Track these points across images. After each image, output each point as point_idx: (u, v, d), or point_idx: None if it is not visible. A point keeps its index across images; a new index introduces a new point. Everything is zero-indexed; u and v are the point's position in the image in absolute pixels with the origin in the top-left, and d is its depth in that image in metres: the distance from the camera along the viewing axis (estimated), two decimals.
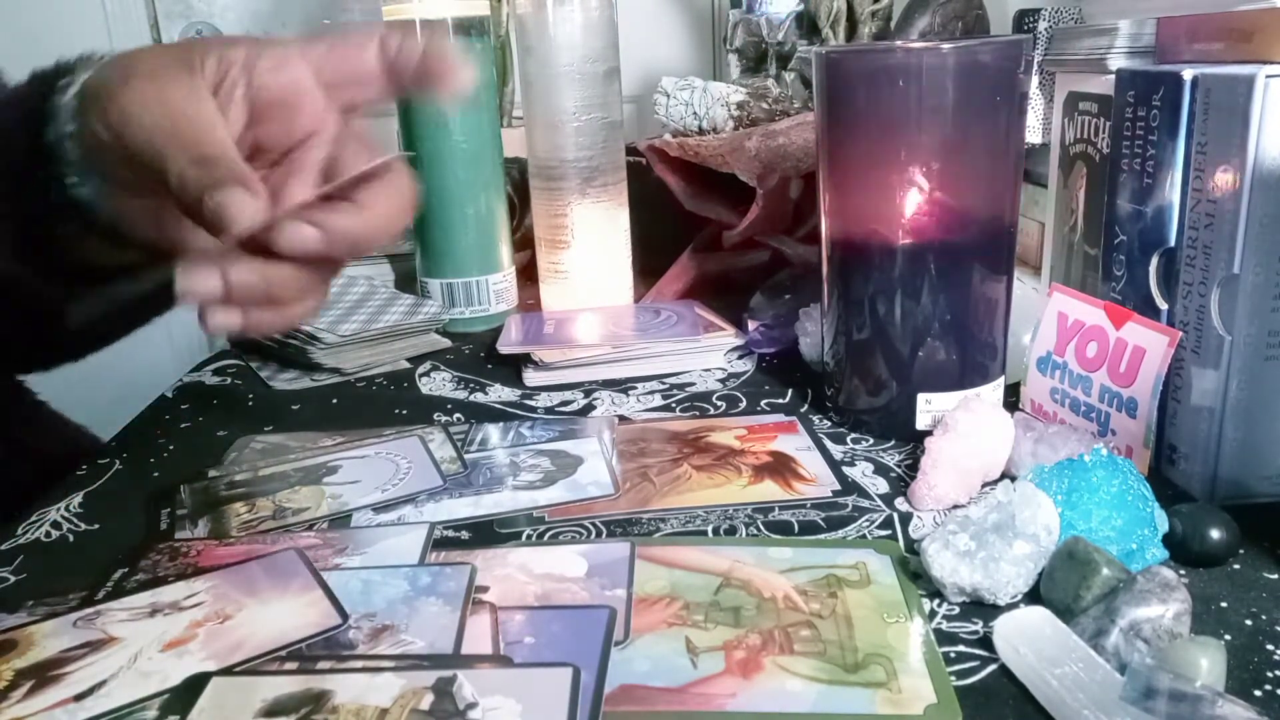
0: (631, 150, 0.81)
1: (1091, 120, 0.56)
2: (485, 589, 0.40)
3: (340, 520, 0.47)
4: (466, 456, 0.54)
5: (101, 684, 0.35)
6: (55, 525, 0.49)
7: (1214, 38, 0.46)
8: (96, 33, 1.62)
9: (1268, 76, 0.40)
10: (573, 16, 0.71)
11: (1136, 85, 0.47)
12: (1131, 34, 0.53)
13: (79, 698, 0.34)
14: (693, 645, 0.37)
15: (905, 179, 0.50)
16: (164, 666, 0.35)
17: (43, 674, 0.35)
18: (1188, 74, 0.44)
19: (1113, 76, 0.50)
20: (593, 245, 0.76)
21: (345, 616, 0.38)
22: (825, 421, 0.57)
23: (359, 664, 0.35)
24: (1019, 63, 0.50)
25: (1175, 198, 0.45)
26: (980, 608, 0.38)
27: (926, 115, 0.49)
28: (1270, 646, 0.35)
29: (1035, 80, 0.66)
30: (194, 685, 0.34)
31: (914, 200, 0.50)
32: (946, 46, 0.49)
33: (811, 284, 0.60)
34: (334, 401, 0.65)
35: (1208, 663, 0.32)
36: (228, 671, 0.35)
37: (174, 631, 0.37)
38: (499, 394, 0.65)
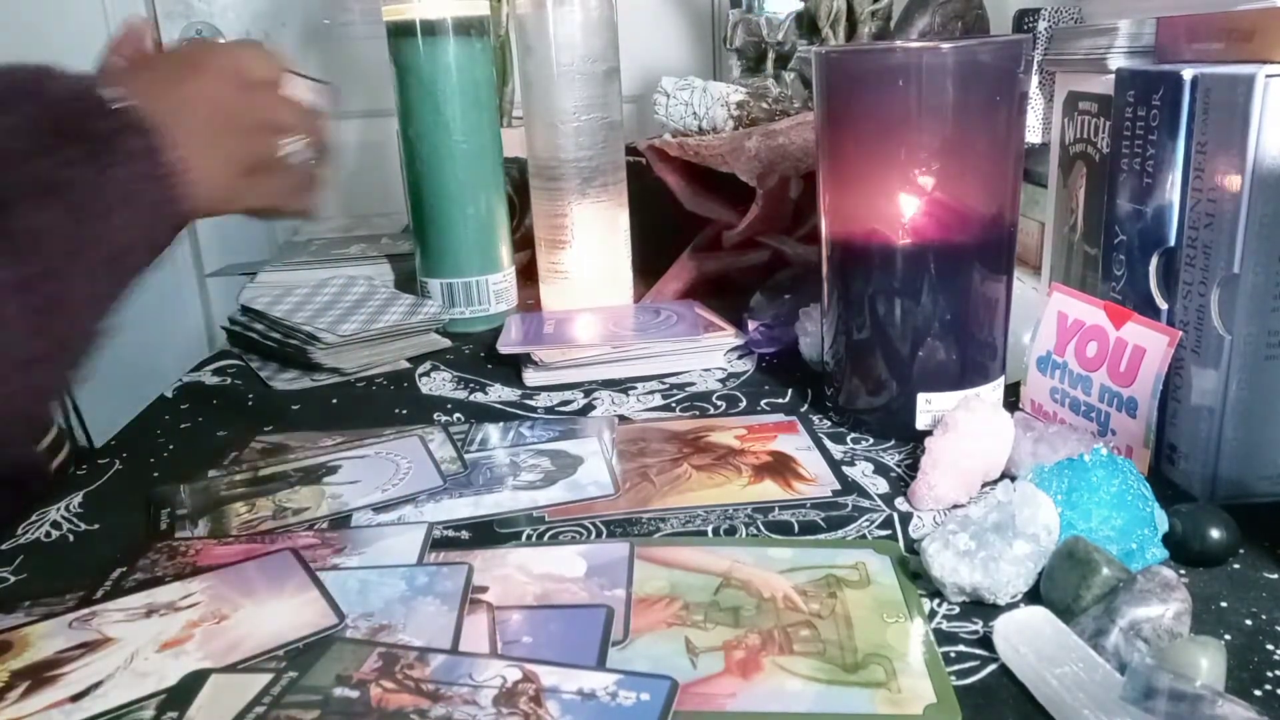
0: (631, 150, 0.81)
1: (1091, 120, 0.56)
2: (484, 589, 0.40)
3: (340, 520, 0.47)
4: (466, 456, 0.54)
5: (98, 684, 0.35)
6: (55, 525, 0.48)
7: (1214, 38, 0.46)
8: (96, 32, 1.63)
9: (1267, 76, 0.40)
10: (572, 16, 0.71)
11: (1136, 85, 0.47)
12: (1131, 34, 0.53)
13: (75, 698, 0.34)
14: (692, 645, 0.37)
15: (905, 179, 0.49)
16: (160, 667, 0.35)
17: (39, 675, 0.35)
18: (1188, 74, 0.43)
19: (1113, 76, 0.50)
20: (593, 245, 0.76)
21: (342, 616, 0.38)
22: (825, 421, 0.57)
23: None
24: (1019, 63, 0.49)
25: (1175, 197, 0.45)
26: (980, 607, 0.38)
27: (926, 115, 0.49)
28: (1270, 646, 0.35)
29: (1035, 80, 0.66)
30: (192, 682, 0.34)
31: (914, 200, 0.50)
32: (946, 46, 0.49)
33: (811, 284, 0.59)
34: (334, 401, 0.65)
35: (1208, 662, 0.32)
36: (228, 669, 0.35)
37: (170, 632, 0.37)
38: (499, 394, 0.65)
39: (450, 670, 0.34)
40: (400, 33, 0.73)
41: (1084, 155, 0.57)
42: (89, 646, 0.37)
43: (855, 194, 0.52)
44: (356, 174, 1.76)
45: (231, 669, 0.35)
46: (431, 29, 0.73)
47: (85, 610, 0.39)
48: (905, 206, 0.50)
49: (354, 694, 0.33)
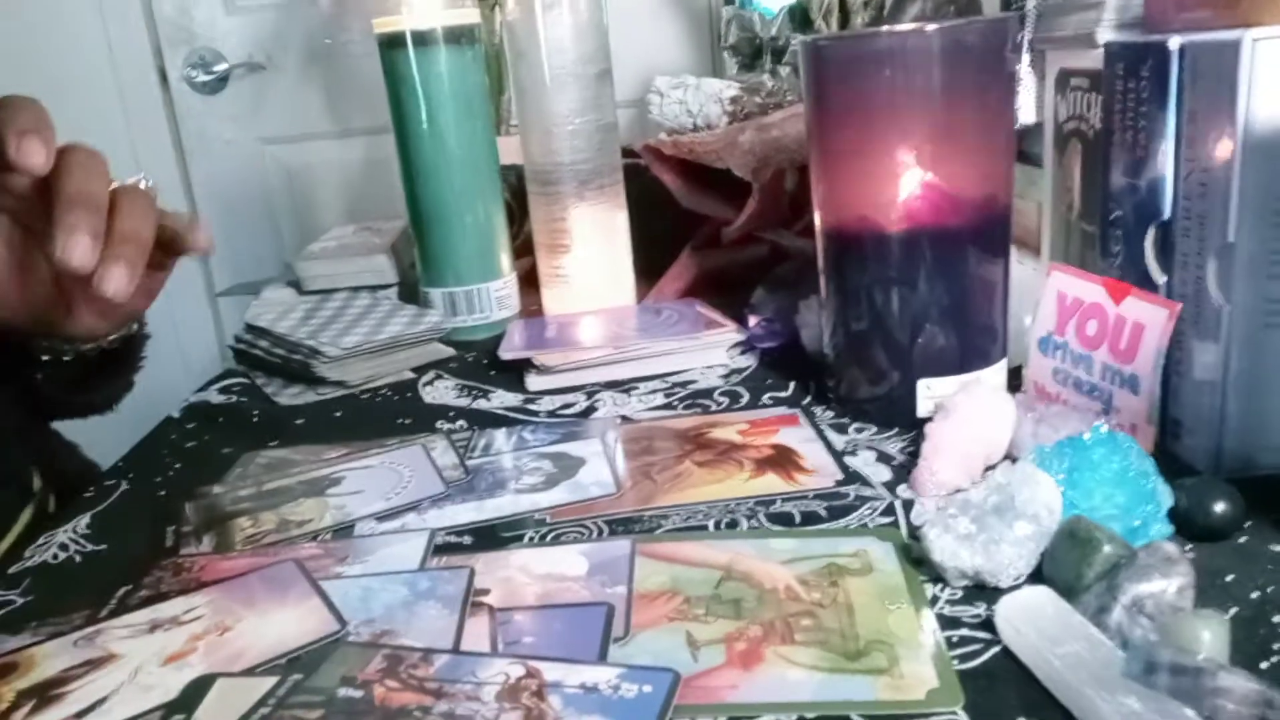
0: (629, 152, 0.81)
1: (1083, 96, 0.56)
2: (486, 591, 0.40)
3: (343, 530, 0.47)
4: (469, 462, 0.54)
5: (103, 700, 0.35)
6: (63, 547, 0.49)
7: (1201, 5, 0.45)
8: (99, 59, 1.64)
9: (1254, 40, 0.39)
10: (562, 20, 0.71)
11: (1125, 57, 0.47)
12: (1119, 6, 0.53)
13: (80, 715, 0.34)
14: (693, 639, 0.36)
15: (896, 165, 0.49)
16: (165, 680, 0.35)
17: (44, 693, 0.35)
18: (1174, 43, 0.43)
19: (1102, 50, 0.49)
20: (592, 248, 0.76)
21: (344, 623, 0.38)
22: (828, 413, 0.57)
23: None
24: (1006, 42, 0.49)
25: (1169, 169, 0.45)
26: (982, 591, 0.38)
27: (915, 99, 0.48)
28: (1277, 618, 0.34)
29: (1027, 59, 0.66)
30: (198, 687, 0.34)
31: (906, 186, 0.49)
32: (931, 28, 0.48)
33: (812, 276, 0.59)
34: (338, 414, 0.65)
35: (1210, 636, 0.31)
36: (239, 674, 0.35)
37: (174, 645, 0.37)
38: (502, 400, 0.65)
39: (454, 669, 0.34)
40: (392, 44, 0.74)
41: (1078, 132, 0.57)
42: (93, 664, 0.37)
43: (847, 183, 0.52)
44: (361, 192, 1.77)
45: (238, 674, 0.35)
46: (423, 39, 0.73)
47: (90, 628, 0.39)
48: (898, 193, 0.50)
49: (358, 694, 0.33)
